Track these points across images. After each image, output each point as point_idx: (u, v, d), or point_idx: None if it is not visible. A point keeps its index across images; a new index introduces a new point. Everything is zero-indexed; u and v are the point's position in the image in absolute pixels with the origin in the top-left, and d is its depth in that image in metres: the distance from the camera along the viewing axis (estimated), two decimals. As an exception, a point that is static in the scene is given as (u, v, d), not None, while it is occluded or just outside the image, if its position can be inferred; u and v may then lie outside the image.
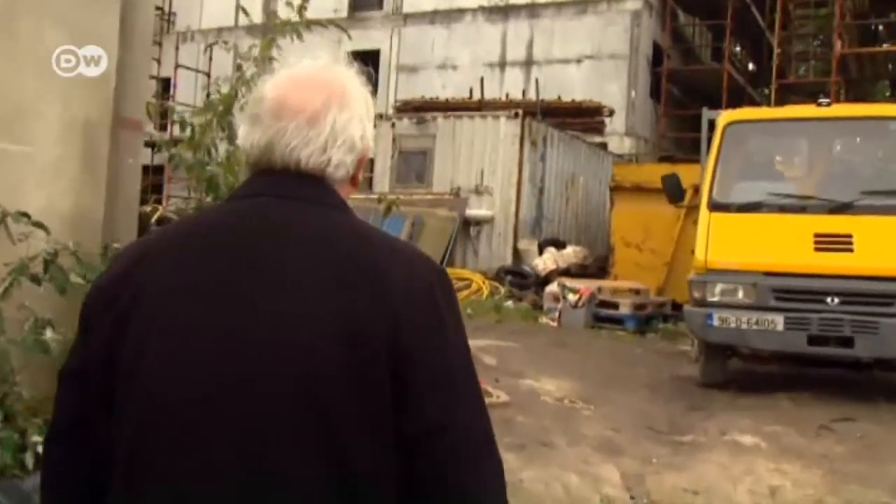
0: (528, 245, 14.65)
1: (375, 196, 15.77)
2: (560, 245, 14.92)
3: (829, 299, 6.80)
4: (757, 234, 7.30)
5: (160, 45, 26.65)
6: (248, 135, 1.26)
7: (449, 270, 13.60)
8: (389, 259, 1.20)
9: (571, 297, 11.54)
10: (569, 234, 16.04)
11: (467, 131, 14.85)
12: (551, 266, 14.18)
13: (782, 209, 7.35)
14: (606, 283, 12.52)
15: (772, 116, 8.09)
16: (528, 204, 14.96)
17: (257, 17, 25.88)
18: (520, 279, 13.97)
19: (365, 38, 24.01)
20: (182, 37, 26.59)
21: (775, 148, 8.32)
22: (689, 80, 22.81)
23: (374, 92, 1.41)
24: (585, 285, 11.80)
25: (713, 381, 7.69)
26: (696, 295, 7.29)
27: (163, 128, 27.42)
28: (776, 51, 20.76)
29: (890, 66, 18.64)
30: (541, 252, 14.56)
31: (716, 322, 7.08)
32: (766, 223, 7.34)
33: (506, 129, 14.65)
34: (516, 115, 14.59)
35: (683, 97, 23.50)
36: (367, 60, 24.58)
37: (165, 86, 26.38)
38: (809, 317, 6.80)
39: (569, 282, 12.26)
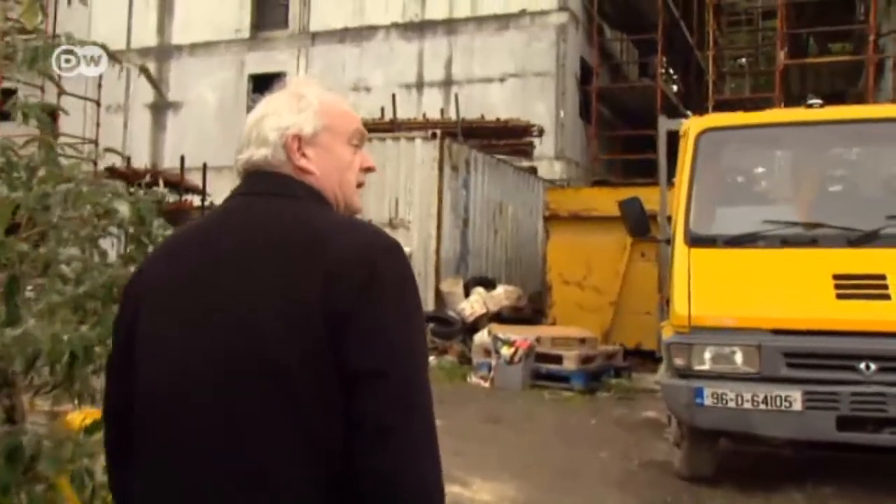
0: (453, 286, 12.61)
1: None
2: (489, 284, 12.94)
3: (862, 365, 4.93)
4: (756, 276, 5.41)
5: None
6: None
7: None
8: (331, 230, 1.32)
9: (505, 352, 9.53)
10: (498, 270, 14.08)
11: (378, 156, 12.77)
12: (480, 310, 12.18)
13: (786, 242, 5.48)
14: (546, 331, 10.55)
15: (756, 122, 6.24)
16: (451, 238, 12.96)
17: (151, 39, 23.56)
18: (444, 327, 11.89)
19: (269, 61, 21.86)
20: (65, 61, 23.87)
21: (762, 161, 6.50)
22: (619, 99, 21.31)
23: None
24: (521, 336, 9.80)
25: (700, 473, 5.75)
26: (679, 362, 5.33)
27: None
28: (710, 66, 19.39)
29: (830, 79, 17.45)
30: (467, 294, 12.54)
31: (707, 400, 5.14)
32: (766, 261, 5.46)
33: (422, 152, 12.65)
34: (434, 135, 12.61)
35: (613, 117, 22.00)
36: (272, 84, 22.37)
37: (51, 115, 23.66)
38: (838, 391, 4.91)
39: (501, 330, 10.26)
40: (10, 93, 25.63)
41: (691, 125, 6.27)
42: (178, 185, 15.28)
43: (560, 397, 9.05)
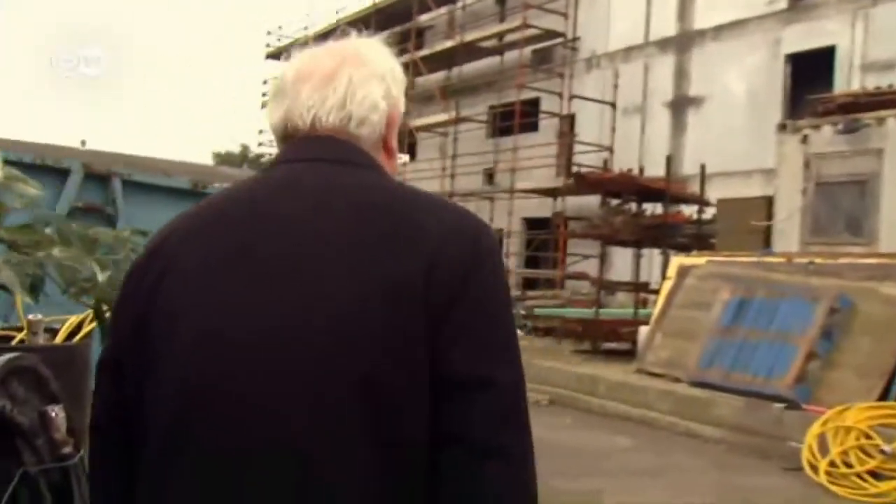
0: None
1: (775, 257, 9.67)
2: None
3: None
4: None
5: (561, 76, 23.17)
6: (271, 110, 1.27)
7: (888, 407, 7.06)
8: (426, 211, 1.16)
9: None
10: None
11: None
12: None
13: None
14: None
15: None
16: None
17: (671, 28, 20.88)
18: None
19: (812, 34, 17.42)
20: (587, 64, 22.68)
21: None
22: None
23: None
24: None
25: None
26: None
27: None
28: None
29: None
30: None
31: None
32: None
33: None
34: None
35: None
36: (816, 62, 17.85)
37: (573, 123, 22.71)
38: None
39: None
40: (534, 102, 25.12)
41: None
42: (661, 193, 12.23)
43: None
